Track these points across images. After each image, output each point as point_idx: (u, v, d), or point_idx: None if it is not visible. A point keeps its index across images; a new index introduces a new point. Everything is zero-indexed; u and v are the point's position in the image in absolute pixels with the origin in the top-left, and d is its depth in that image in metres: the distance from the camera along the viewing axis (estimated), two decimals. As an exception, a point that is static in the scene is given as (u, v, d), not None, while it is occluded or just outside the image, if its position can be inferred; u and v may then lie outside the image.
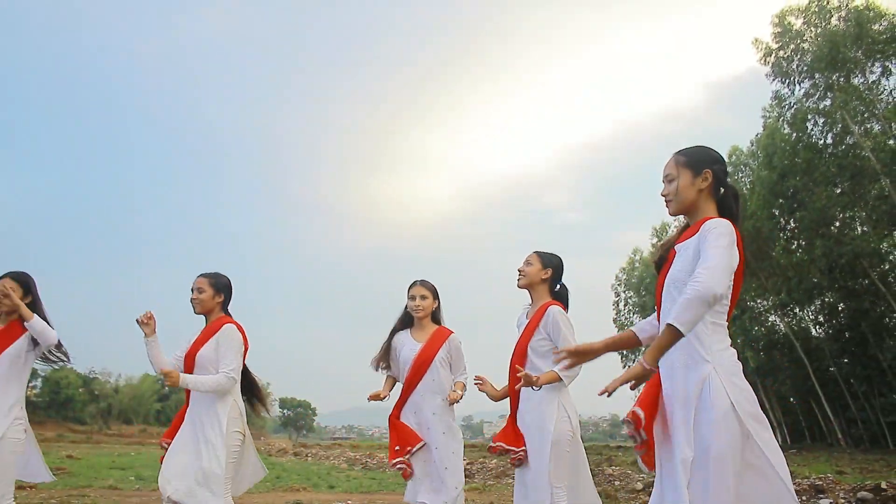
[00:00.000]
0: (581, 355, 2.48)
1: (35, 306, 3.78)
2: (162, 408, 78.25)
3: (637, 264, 41.53)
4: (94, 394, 73.80)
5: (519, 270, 3.71)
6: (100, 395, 74.18)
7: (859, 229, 23.86)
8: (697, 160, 2.43)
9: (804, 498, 6.86)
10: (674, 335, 2.12)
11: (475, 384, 3.82)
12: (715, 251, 2.18)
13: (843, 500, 6.13)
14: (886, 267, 23.50)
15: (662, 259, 2.45)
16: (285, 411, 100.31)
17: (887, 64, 21.55)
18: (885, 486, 6.13)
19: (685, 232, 2.42)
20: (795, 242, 25.04)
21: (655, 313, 2.46)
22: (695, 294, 2.09)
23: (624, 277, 42.88)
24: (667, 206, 2.49)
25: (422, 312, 4.03)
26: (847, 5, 21.72)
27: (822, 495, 6.86)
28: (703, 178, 2.40)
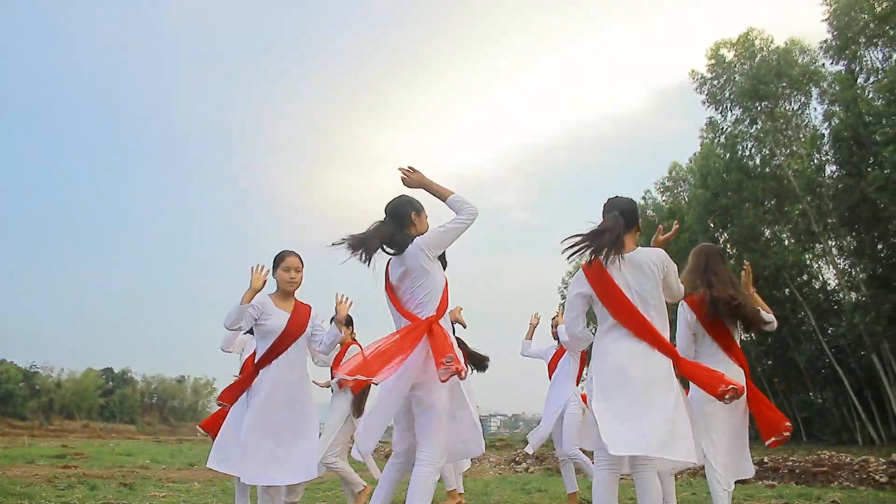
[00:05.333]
0: None
1: None
2: (105, 403, 76.70)
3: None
4: (36, 388, 72.05)
5: None
6: (41, 389, 72.47)
7: (786, 242, 26.24)
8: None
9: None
10: None
11: None
12: None
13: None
14: (804, 279, 25.96)
15: None
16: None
17: (805, 98, 24.13)
18: (766, 460, 7.93)
19: None
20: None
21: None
22: None
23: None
24: None
25: None
26: (768, 47, 24.16)
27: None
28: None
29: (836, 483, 7.66)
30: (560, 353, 6.05)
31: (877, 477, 7.57)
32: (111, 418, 76.07)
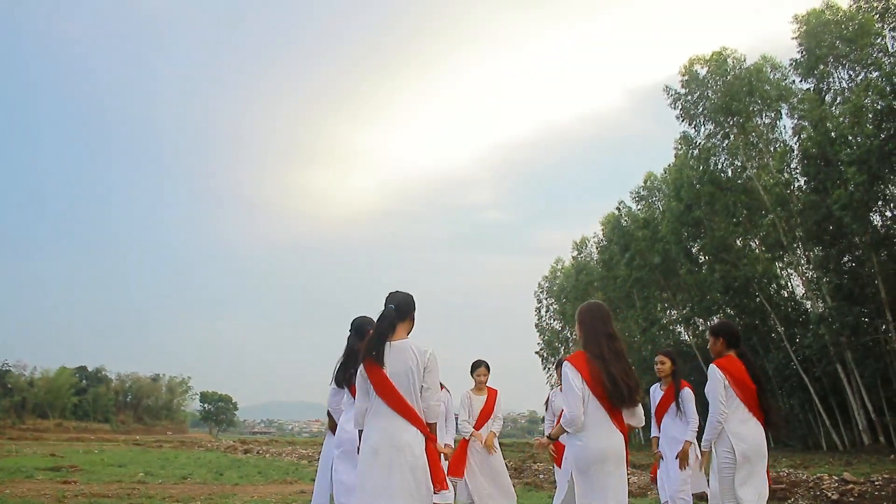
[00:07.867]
0: None
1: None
2: (79, 401, 75.87)
3: (559, 273, 43.82)
4: (8, 387, 71.25)
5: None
6: (13, 388, 71.69)
7: (756, 252, 27.06)
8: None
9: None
10: None
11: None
12: None
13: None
14: (774, 288, 26.81)
15: None
16: (206, 405, 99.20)
17: (775, 115, 24.98)
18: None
19: None
20: (699, 265, 28.08)
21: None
22: None
23: (546, 286, 45.06)
24: None
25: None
26: (741, 65, 24.93)
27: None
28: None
29: (791, 500, 8.32)
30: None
31: (829, 494, 8.23)
32: (85, 417, 75.35)
